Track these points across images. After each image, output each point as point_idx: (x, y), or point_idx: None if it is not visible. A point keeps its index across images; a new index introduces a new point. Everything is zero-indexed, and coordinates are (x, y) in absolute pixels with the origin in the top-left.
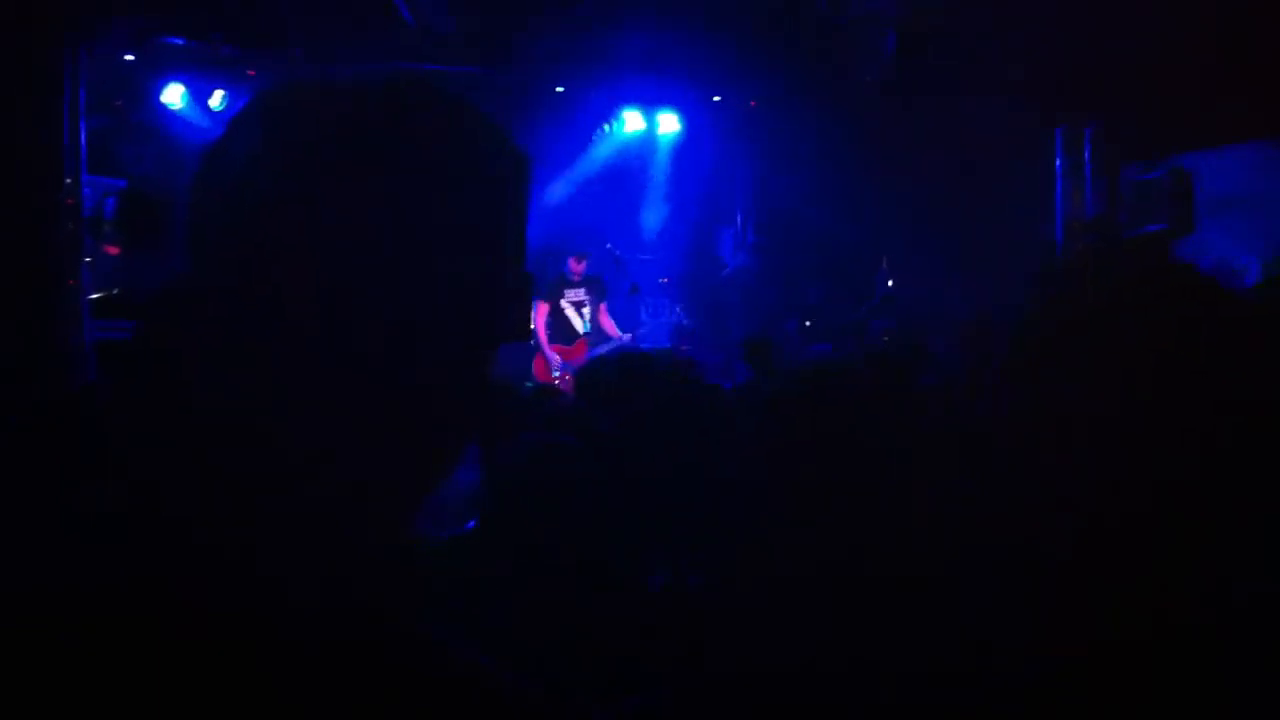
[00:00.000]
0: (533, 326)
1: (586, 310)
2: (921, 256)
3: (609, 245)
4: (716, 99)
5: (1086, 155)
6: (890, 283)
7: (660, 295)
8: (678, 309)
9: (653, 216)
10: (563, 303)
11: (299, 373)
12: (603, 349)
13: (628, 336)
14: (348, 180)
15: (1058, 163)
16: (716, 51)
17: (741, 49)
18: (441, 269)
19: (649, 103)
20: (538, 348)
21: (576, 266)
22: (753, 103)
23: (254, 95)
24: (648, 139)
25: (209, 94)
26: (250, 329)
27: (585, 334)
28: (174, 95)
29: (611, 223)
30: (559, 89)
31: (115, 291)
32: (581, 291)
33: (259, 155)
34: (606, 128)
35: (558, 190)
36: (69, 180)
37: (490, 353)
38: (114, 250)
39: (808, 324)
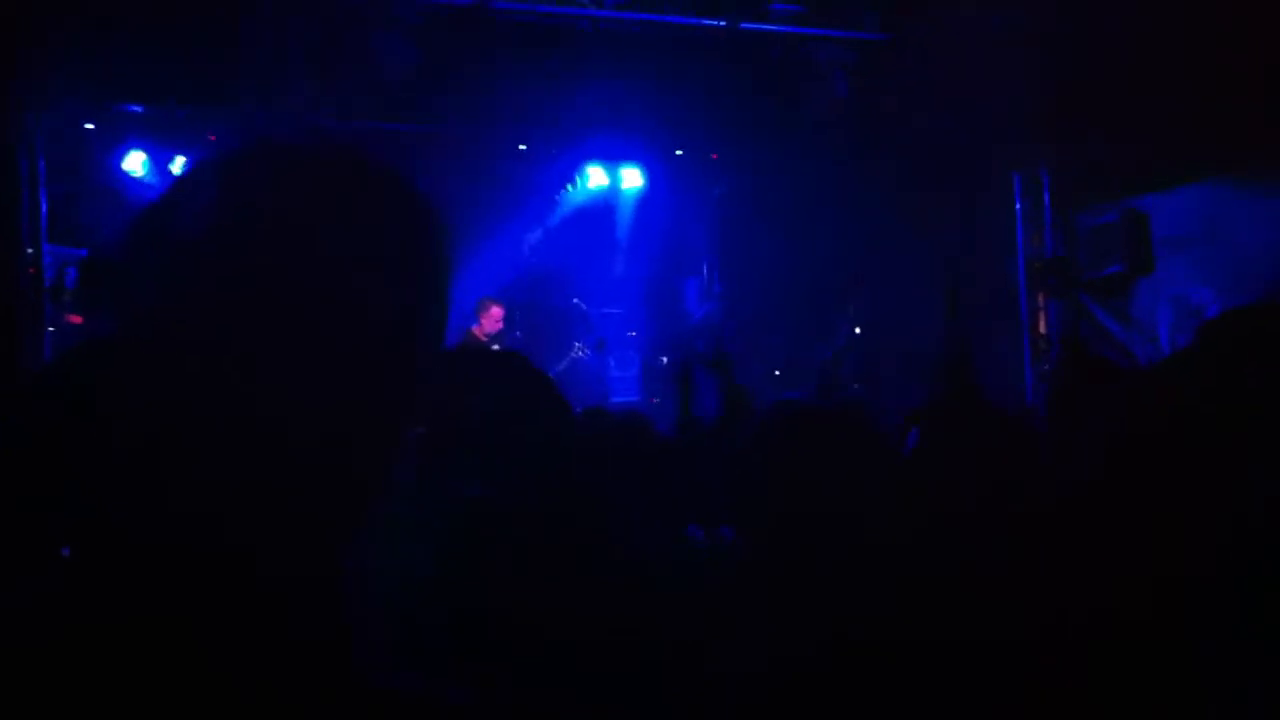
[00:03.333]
0: None
1: None
2: (887, 296)
3: (575, 300)
4: (679, 153)
5: (1045, 199)
6: (857, 329)
7: (628, 348)
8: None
9: (619, 270)
10: None
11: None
12: None
13: None
14: (271, 238)
15: (1018, 206)
16: (676, 107)
17: (700, 103)
18: (360, 316)
19: (611, 158)
20: None
21: (487, 324)
22: (714, 155)
23: (194, 160)
24: (611, 194)
25: (169, 160)
26: (173, 376)
27: None
28: (135, 163)
29: (578, 277)
30: (521, 146)
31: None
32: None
33: (192, 215)
34: (570, 186)
35: (523, 245)
36: (30, 250)
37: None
38: (77, 319)
39: (777, 373)
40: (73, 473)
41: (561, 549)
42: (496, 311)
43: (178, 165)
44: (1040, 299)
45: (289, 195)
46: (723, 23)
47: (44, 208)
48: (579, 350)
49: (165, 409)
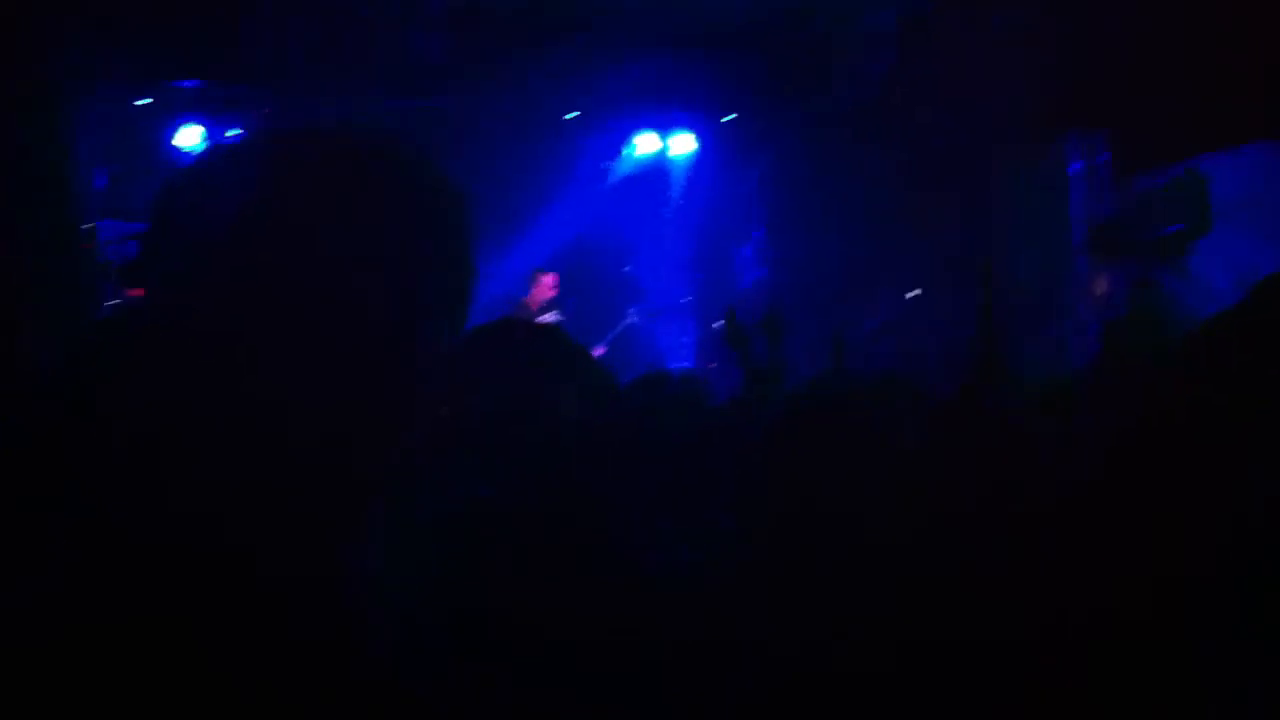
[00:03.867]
0: None
1: None
2: (931, 270)
3: (627, 268)
4: (727, 118)
5: (1100, 160)
6: (908, 295)
7: (683, 314)
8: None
9: (670, 237)
10: None
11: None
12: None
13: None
14: (273, 235)
15: (1071, 168)
16: (725, 72)
17: (749, 74)
18: (385, 291)
19: (661, 125)
20: None
21: (539, 294)
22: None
23: (207, 149)
24: (661, 161)
25: (225, 134)
26: (173, 374)
27: None
28: (191, 137)
29: (629, 244)
30: (569, 115)
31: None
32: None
33: (194, 207)
34: (621, 153)
35: (572, 217)
36: (86, 226)
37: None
38: (138, 293)
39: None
40: (73, 473)
41: (562, 549)
42: (548, 280)
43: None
44: (1097, 262)
45: (291, 193)
46: None
47: (99, 184)
48: (633, 315)
49: (165, 408)
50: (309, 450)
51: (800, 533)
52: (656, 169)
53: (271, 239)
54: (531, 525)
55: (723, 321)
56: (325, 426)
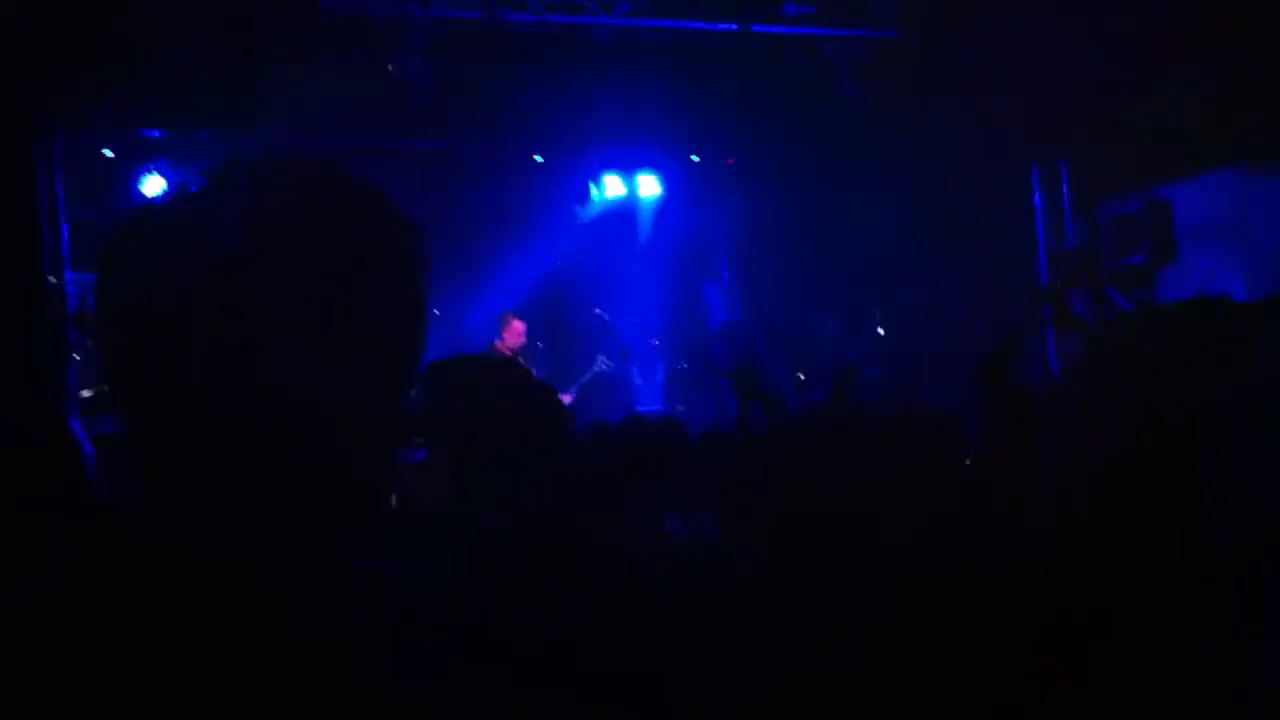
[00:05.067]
0: None
1: None
2: (907, 295)
3: (597, 310)
4: (695, 159)
5: (1064, 190)
6: (880, 330)
7: (651, 356)
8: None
9: (639, 278)
10: None
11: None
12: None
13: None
14: (257, 255)
15: (1036, 198)
16: (692, 113)
17: (716, 109)
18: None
19: (628, 167)
20: None
21: (510, 339)
22: (730, 160)
23: (174, 188)
24: (629, 203)
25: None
26: (174, 375)
27: None
28: (154, 187)
29: (598, 287)
30: (538, 158)
31: (106, 388)
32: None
33: (181, 229)
34: (593, 190)
35: (542, 258)
36: (52, 278)
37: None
38: None
39: (801, 377)
40: (73, 473)
41: (562, 549)
42: (519, 326)
43: None
44: (1062, 290)
45: (253, 222)
46: (734, 27)
47: (65, 233)
48: (603, 363)
49: (166, 407)
50: (309, 451)
51: (800, 533)
52: (625, 211)
53: (230, 268)
54: (532, 526)
55: (687, 366)
56: (325, 428)
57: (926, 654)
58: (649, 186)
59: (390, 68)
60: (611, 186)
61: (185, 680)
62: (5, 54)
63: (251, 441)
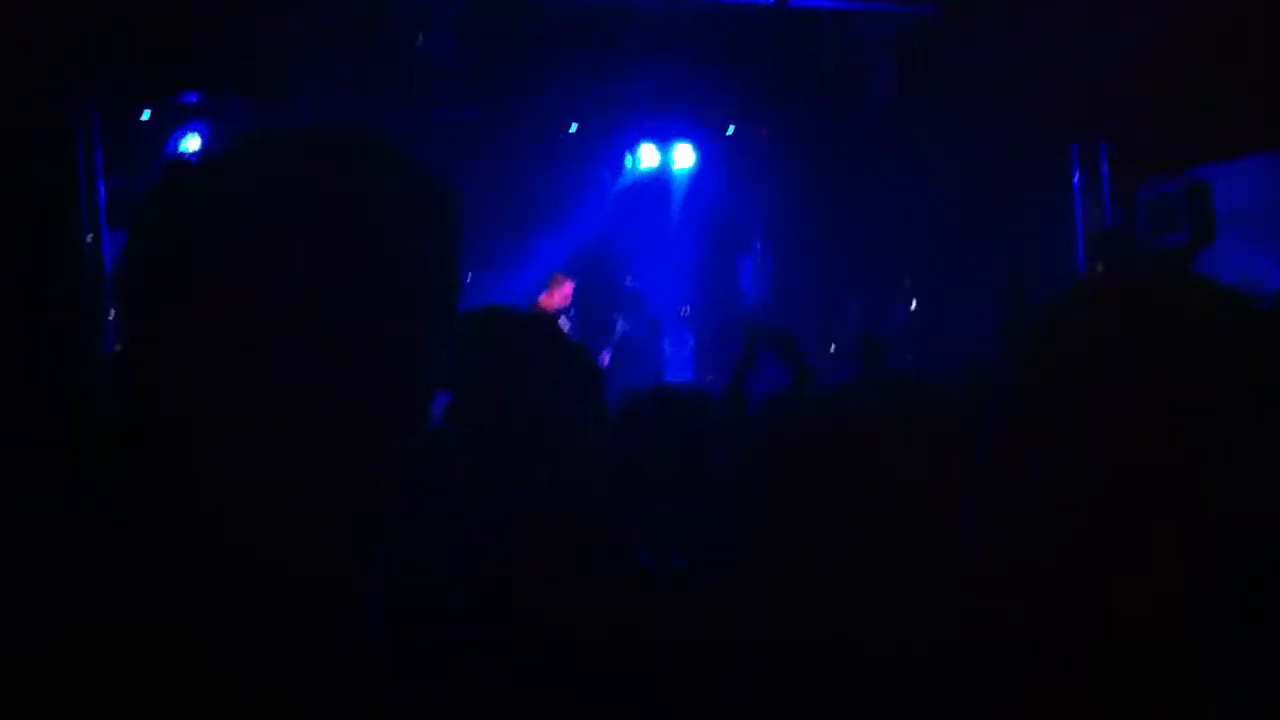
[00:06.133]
0: None
1: None
2: (941, 277)
3: (629, 279)
4: (730, 131)
5: (1103, 170)
6: (913, 305)
7: (682, 326)
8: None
9: (672, 248)
10: None
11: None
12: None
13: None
14: (280, 225)
15: (1075, 178)
16: (727, 85)
17: (751, 82)
18: (368, 303)
19: (663, 137)
20: None
21: (557, 298)
22: (764, 132)
23: (207, 151)
24: (663, 173)
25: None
26: (174, 374)
27: None
28: (193, 145)
29: (631, 256)
30: (572, 129)
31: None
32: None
33: (214, 197)
34: (628, 160)
35: (576, 228)
36: (89, 237)
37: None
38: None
39: (832, 348)
40: (73, 473)
41: (564, 549)
42: (568, 288)
43: None
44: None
45: (282, 194)
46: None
47: (102, 195)
48: (622, 327)
49: (166, 406)
50: (311, 450)
51: (800, 533)
52: (659, 181)
53: (262, 241)
54: (533, 526)
55: (725, 337)
56: (328, 426)
57: (926, 654)
58: (684, 157)
59: (419, 38)
60: (647, 157)
61: (185, 680)
62: (45, 20)
63: (252, 440)
